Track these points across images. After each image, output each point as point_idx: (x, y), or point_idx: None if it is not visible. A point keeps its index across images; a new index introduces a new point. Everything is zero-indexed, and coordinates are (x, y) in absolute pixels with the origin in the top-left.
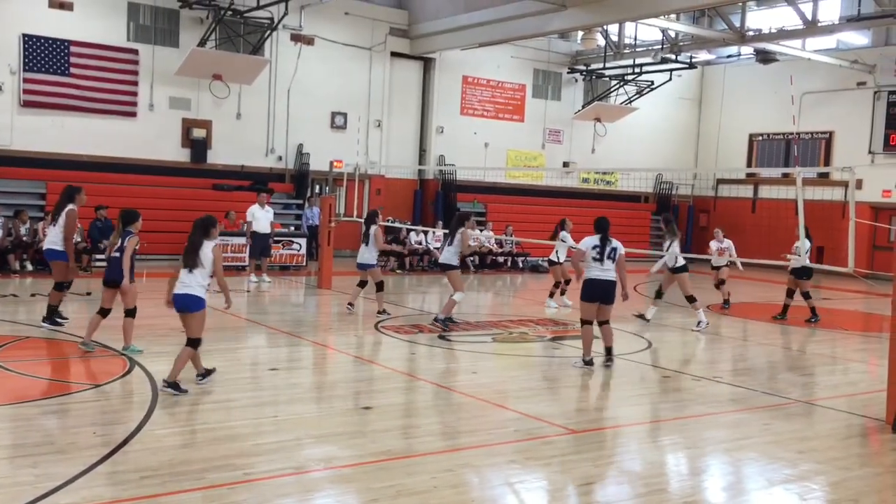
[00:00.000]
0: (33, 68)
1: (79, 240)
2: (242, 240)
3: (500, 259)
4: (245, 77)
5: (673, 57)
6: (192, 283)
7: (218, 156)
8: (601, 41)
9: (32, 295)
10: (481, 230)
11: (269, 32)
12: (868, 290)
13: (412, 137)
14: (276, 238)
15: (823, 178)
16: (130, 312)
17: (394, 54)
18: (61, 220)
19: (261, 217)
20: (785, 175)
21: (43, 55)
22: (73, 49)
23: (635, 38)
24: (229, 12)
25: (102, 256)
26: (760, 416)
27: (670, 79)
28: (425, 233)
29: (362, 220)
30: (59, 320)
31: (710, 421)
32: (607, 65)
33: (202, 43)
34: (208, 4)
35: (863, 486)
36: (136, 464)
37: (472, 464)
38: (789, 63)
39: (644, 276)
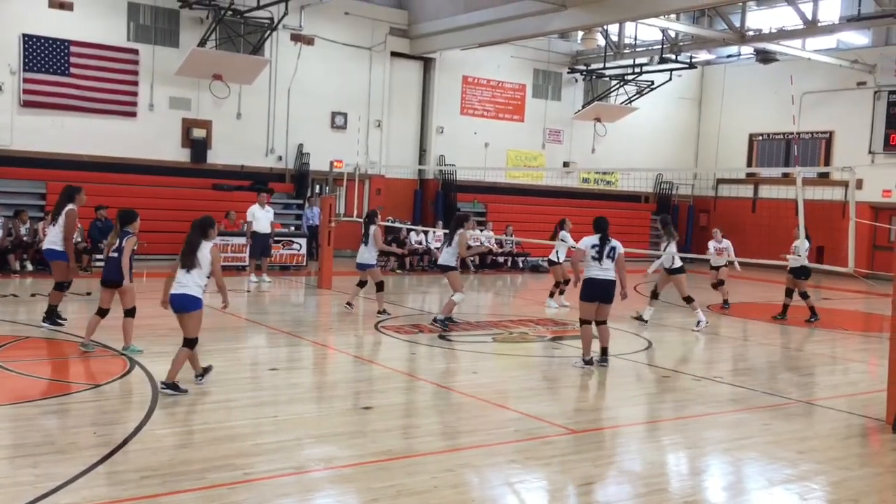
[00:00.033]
0: (33, 68)
1: (79, 240)
2: (242, 240)
3: (501, 259)
4: (245, 77)
5: (673, 57)
6: (189, 283)
7: (218, 156)
8: (601, 41)
9: (32, 295)
10: (481, 230)
11: (269, 32)
12: (868, 290)
13: (412, 137)
14: (276, 238)
15: (823, 178)
16: (130, 312)
17: (394, 54)
18: (61, 219)
19: (261, 217)
20: (785, 175)
21: (43, 55)
22: (73, 49)
23: (635, 38)
24: (229, 12)
25: (101, 256)
26: (760, 416)
27: (670, 79)
28: (425, 233)
29: (362, 221)
30: (58, 320)
31: (710, 421)
32: (607, 65)
33: (202, 43)
34: (208, 4)
35: (863, 485)
36: (137, 464)
37: (472, 464)
38: (789, 63)
39: (643, 277)
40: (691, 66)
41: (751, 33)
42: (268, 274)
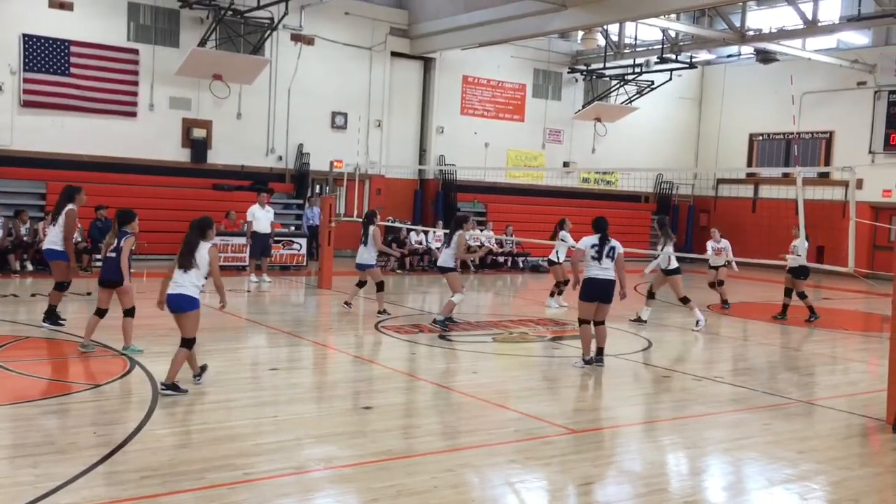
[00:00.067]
0: (33, 68)
1: (79, 240)
2: (243, 240)
3: (501, 259)
4: (245, 77)
5: (673, 56)
6: (186, 283)
7: (218, 156)
8: (601, 41)
9: (33, 295)
10: (482, 230)
11: (269, 32)
12: (868, 290)
13: (412, 137)
14: (276, 238)
15: (824, 178)
16: (129, 312)
17: (394, 54)
18: (61, 219)
19: (261, 217)
20: (785, 175)
21: (43, 55)
22: (73, 49)
23: (635, 38)
24: (229, 12)
25: (100, 256)
26: (761, 415)
27: (670, 78)
28: (425, 233)
29: (361, 221)
30: (59, 321)
31: (710, 421)
32: (607, 64)
33: (202, 43)
34: (208, 4)
35: (863, 485)
36: (137, 464)
37: (472, 464)
38: (789, 63)
39: (640, 276)
40: (691, 65)
41: (751, 33)
42: (268, 274)
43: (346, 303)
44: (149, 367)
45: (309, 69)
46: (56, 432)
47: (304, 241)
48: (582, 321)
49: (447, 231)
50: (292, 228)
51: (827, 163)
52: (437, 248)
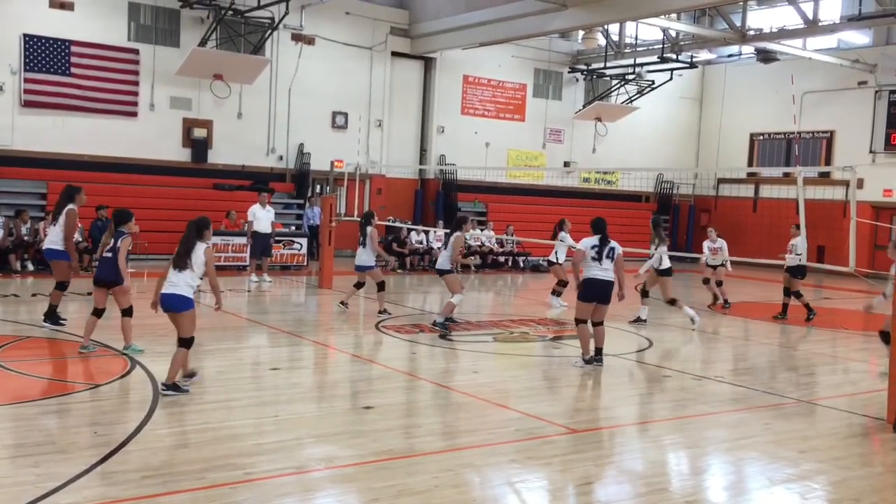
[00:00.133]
0: (34, 68)
1: (80, 239)
2: (243, 239)
3: (501, 259)
4: (246, 77)
5: (674, 56)
6: (180, 282)
7: (219, 155)
8: (602, 41)
9: (33, 295)
10: (482, 230)
11: (269, 32)
12: (869, 290)
13: (413, 137)
14: (276, 238)
15: (824, 178)
16: (127, 312)
17: (394, 54)
18: (61, 219)
19: (262, 217)
20: (786, 174)
21: (44, 55)
22: (73, 49)
23: (636, 38)
24: (230, 12)
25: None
26: (761, 415)
27: (671, 78)
28: (426, 232)
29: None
30: (59, 321)
31: (710, 420)
32: (608, 64)
33: (203, 43)
34: (209, 4)
35: (864, 485)
36: (137, 463)
37: (472, 463)
38: (790, 62)
39: (634, 276)
40: (692, 65)
41: (751, 33)
42: (268, 274)
43: (341, 302)
44: (149, 366)
45: (309, 69)
46: (57, 432)
47: (304, 241)
48: (579, 321)
49: (447, 231)
50: (293, 228)
51: (828, 162)
52: (438, 248)
